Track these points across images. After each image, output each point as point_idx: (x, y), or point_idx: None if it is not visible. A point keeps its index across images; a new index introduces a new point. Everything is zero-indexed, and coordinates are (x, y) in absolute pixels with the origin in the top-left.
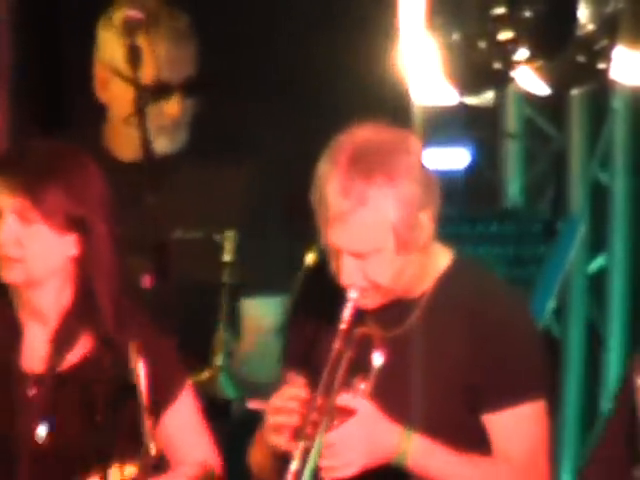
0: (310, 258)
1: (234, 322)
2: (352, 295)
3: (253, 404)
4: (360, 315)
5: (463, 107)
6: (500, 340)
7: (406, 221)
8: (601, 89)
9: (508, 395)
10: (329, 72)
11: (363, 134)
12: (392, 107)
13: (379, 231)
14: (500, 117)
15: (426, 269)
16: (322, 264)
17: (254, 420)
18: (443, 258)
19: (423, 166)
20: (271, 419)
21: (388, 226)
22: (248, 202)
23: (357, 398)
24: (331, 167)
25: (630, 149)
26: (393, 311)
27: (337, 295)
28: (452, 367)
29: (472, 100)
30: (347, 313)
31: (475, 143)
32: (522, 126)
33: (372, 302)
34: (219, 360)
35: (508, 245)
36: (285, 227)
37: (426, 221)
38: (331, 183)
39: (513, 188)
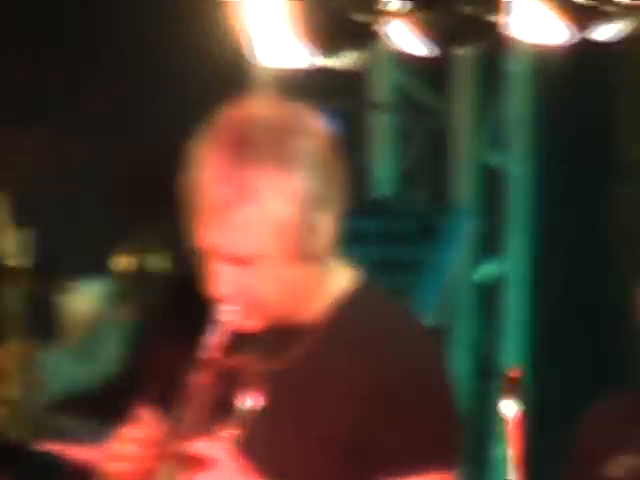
0: (122, 262)
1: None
2: (224, 314)
3: (48, 446)
4: (233, 340)
5: (319, 71)
6: (403, 393)
7: (300, 222)
8: (494, 49)
9: (409, 462)
10: (152, 29)
11: (252, 110)
12: (229, 71)
13: (265, 231)
14: (366, 84)
15: (320, 289)
16: (188, 273)
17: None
18: (342, 279)
19: (327, 153)
20: (108, 465)
21: (277, 226)
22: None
23: (217, 446)
24: (210, 149)
25: (529, 124)
26: (274, 339)
27: (207, 313)
28: (341, 418)
29: (330, 62)
30: (215, 337)
31: (335, 117)
32: (394, 96)
33: (250, 323)
34: (11, 391)
35: (375, 246)
36: (104, 214)
37: (325, 224)
38: (208, 169)
39: (382, 173)
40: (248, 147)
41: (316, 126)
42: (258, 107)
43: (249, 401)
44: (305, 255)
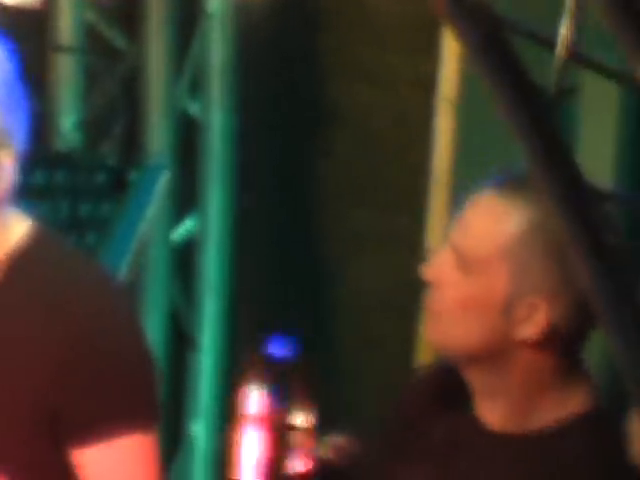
0: None
1: None
2: None
3: None
4: None
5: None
6: (88, 349)
7: None
8: None
9: (100, 423)
10: None
11: None
12: None
13: None
14: (50, 23)
15: None
16: None
17: None
18: (18, 227)
19: (10, 83)
20: None
21: None
22: None
23: None
24: None
25: (230, 69)
26: None
27: None
28: (29, 382)
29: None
30: None
31: (15, 58)
32: (81, 36)
33: None
34: None
35: (60, 201)
36: None
37: (5, 162)
38: None
39: (67, 122)
40: None
41: None
42: None
43: None
44: None
